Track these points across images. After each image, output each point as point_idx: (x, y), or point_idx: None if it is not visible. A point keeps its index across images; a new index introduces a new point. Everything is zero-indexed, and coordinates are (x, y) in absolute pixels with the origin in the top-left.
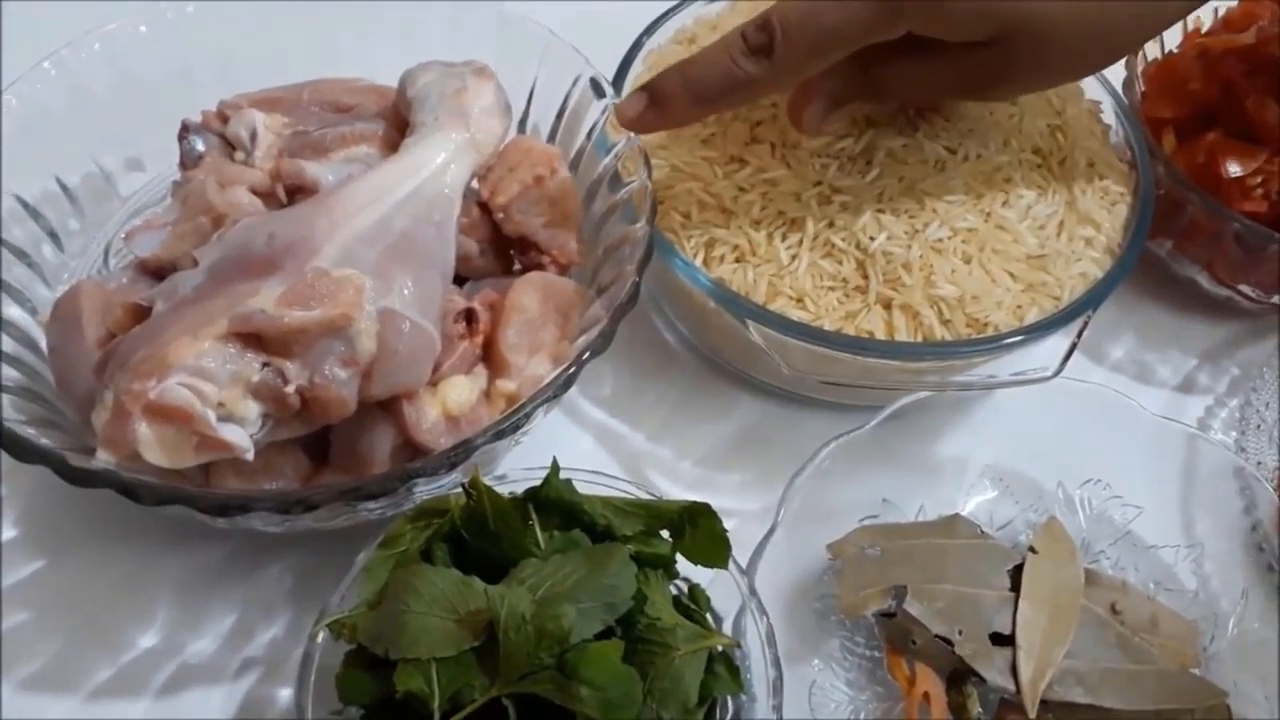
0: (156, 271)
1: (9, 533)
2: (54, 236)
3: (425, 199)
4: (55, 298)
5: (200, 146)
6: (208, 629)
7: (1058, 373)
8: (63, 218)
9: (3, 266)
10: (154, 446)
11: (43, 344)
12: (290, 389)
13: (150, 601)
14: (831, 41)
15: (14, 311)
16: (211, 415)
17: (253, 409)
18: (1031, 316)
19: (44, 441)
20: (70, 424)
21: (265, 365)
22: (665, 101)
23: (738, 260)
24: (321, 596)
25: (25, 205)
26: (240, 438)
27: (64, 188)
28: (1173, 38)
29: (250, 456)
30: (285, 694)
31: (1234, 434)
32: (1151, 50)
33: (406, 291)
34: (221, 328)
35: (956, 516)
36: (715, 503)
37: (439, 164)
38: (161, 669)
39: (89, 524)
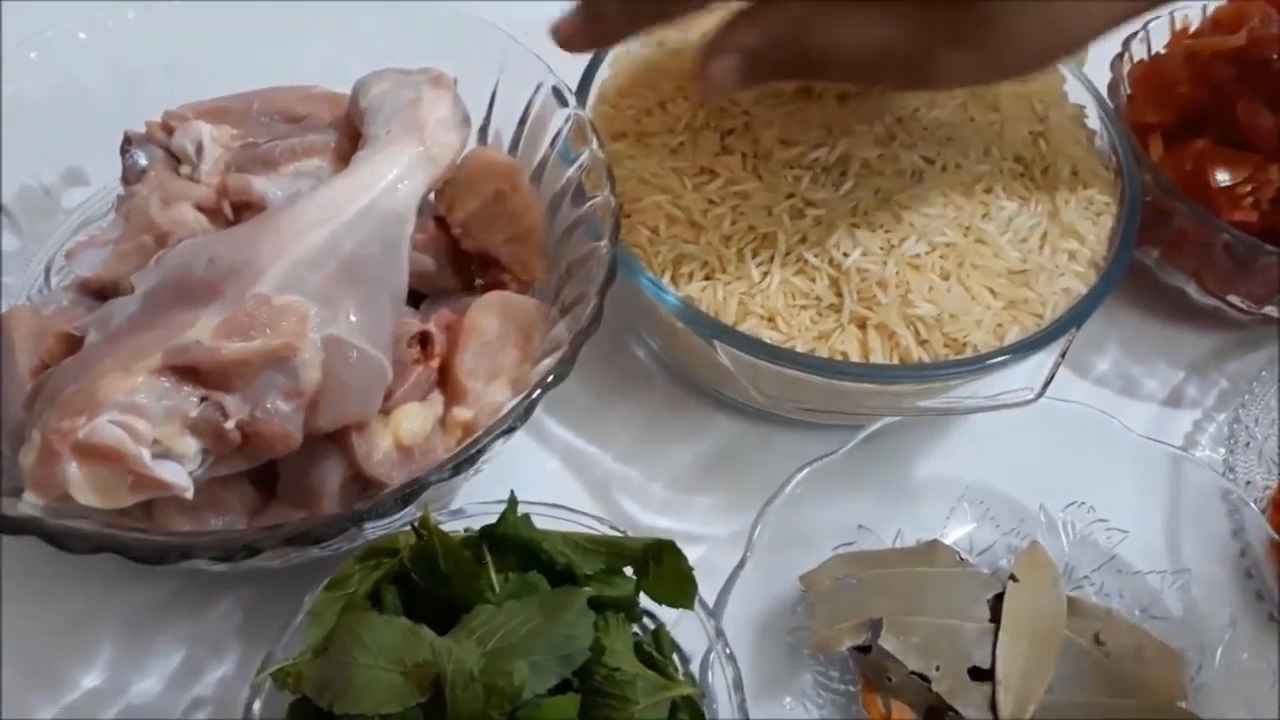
0: (99, 292)
1: None
2: None
3: (376, 217)
4: None
5: (143, 160)
6: (154, 667)
7: (1040, 394)
8: None
9: None
10: (85, 488)
11: None
12: (230, 424)
13: (94, 638)
14: None
15: None
16: (146, 454)
17: (191, 445)
18: (1013, 335)
19: None
20: (4, 459)
21: (204, 400)
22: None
23: (707, 278)
24: (272, 630)
25: None
26: (178, 476)
27: None
28: (1159, 38)
29: (190, 495)
30: None
31: (1223, 451)
32: (1138, 51)
33: (354, 317)
34: (155, 361)
35: (935, 543)
36: (685, 528)
37: (390, 180)
38: (105, 709)
39: (29, 557)
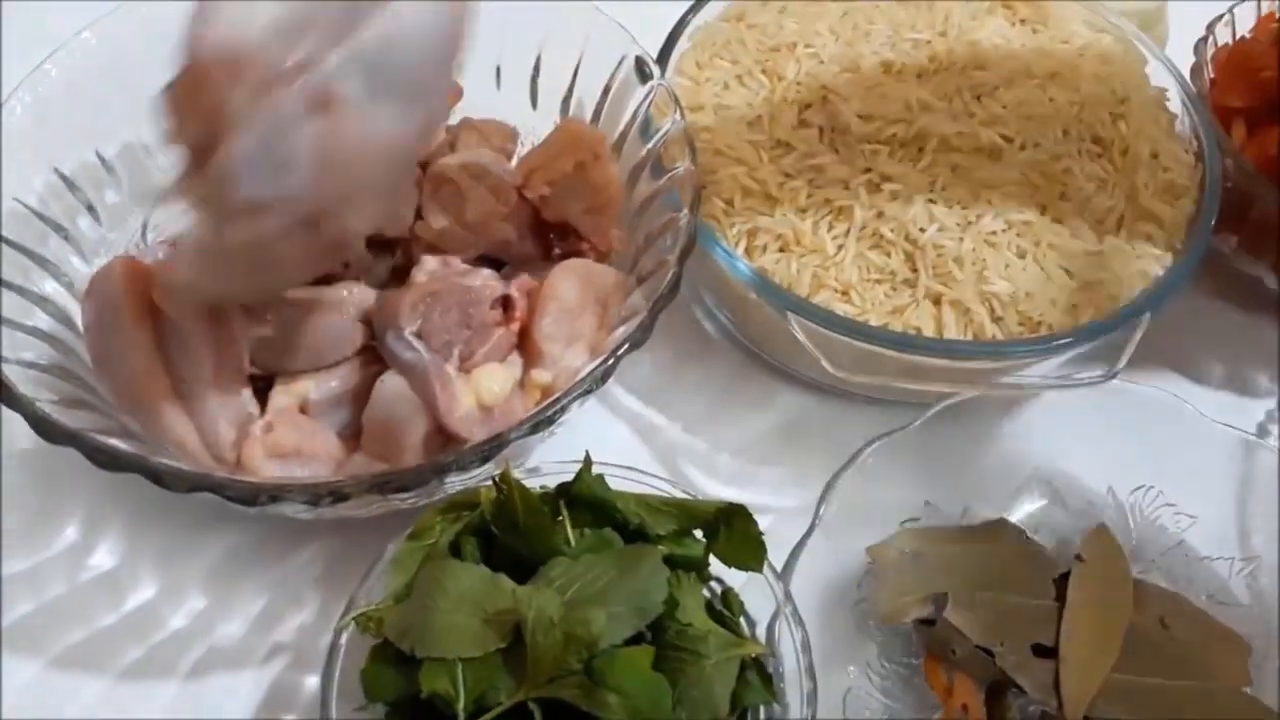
0: None
1: (45, 505)
2: (91, 209)
3: None
4: (91, 272)
5: None
6: (237, 612)
7: (1112, 375)
8: (100, 190)
9: (39, 241)
10: None
11: (78, 319)
12: None
13: (182, 581)
14: None
15: (51, 286)
16: None
17: None
18: (1087, 316)
19: (74, 422)
20: (103, 404)
21: None
22: None
23: (781, 250)
24: (351, 583)
25: (63, 178)
26: None
27: (102, 160)
28: (1245, 22)
29: None
30: (312, 681)
31: None
32: (1222, 35)
33: None
34: None
35: (1002, 521)
36: (752, 499)
37: None
38: (190, 651)
39: (125, 500)
